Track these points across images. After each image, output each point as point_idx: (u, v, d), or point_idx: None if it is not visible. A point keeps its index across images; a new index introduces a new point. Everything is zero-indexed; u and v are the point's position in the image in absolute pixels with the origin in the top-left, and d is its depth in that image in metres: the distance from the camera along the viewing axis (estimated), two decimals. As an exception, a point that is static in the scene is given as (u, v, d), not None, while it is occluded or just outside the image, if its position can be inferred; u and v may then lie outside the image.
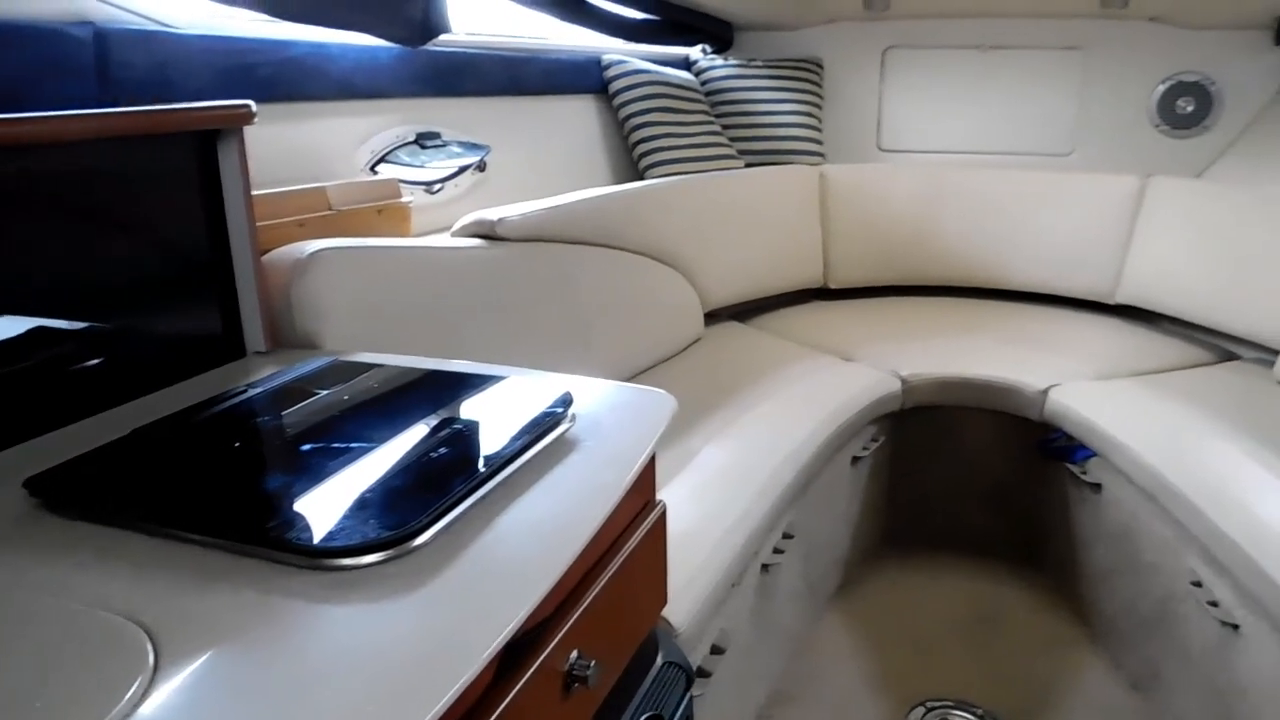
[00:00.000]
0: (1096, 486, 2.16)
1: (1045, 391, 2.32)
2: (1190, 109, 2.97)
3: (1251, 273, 2.47)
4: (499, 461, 0.94)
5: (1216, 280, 2.57)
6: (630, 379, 2.23)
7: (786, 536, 1.87)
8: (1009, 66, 3.10)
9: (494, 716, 0.77)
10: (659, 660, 1.20)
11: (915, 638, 2.22)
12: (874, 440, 2.35)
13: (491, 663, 0.78)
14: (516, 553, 0.84)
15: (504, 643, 0.73)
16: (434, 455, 0.97)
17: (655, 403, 1.16)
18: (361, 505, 0.86)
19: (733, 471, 1.79)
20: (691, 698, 1.25)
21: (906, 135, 3.23)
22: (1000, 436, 2.46)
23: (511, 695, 0.81)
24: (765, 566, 1.78)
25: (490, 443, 1.00)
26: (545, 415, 1.05)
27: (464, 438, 1.03)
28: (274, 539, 0.80)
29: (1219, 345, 2.65)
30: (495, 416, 1.10)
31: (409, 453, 0.98)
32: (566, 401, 1.10)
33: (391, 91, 2.06)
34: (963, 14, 3.07)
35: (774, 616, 1.93)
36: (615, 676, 1.08)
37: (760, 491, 1.75)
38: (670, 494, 1.68)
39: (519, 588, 0.78)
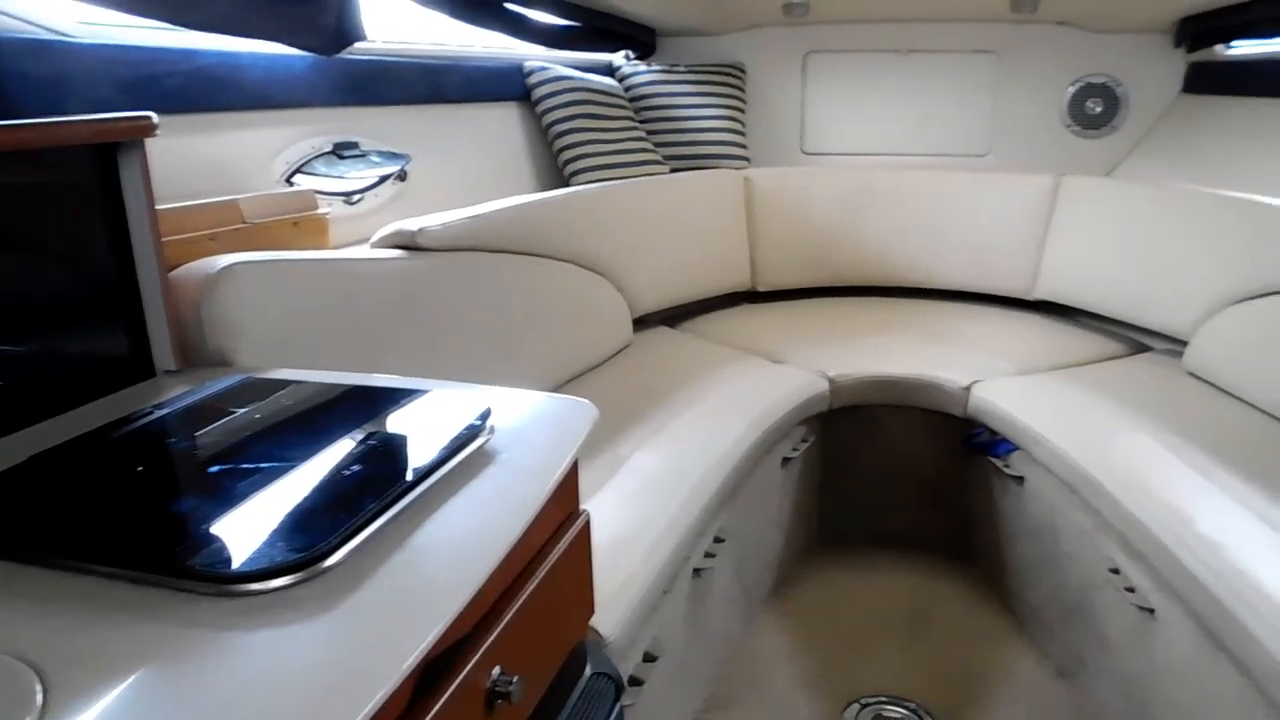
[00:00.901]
0: (1019, 480, 2.21)
1: (968, 388, 2.37)
2: (1099, 110, 3.06)
3: (1160, 267, 2.55)
4: (414, 478, 0.93)
5: (1127, 275, 2.66)
6: (558, 387, 2.22)
7: (718, 540, 1.88)
8: (927, 70, 3.17)
9: (412, 742, 0.76)
10: (587, 671, 1.19)
11: (850, 635, 2.24)
12: (804, 441, 2.37)
13: (407, 684, 0.76)
14: (430, 570, 0.83)
15: (417, 663, 0.71)
16: (347, 473, 0.95)
17: (576, 412, 1.15)
18: (271, 528, 0.84)
19: (663, 477, 1.79)
20: (622, 708, 1.24)
21: (829, 138, 3.27)
22: (927, 433, 2.50)
23: (429, 717, 0.80)
24: (697, 571, 1.78)
25: (406, 458, 0.99)
26: (463, 428, 1.04)
27: (378, 454, 1.01)
28: (178, 567, 0.77)
29: (1132, 338, 2.74)
30: (412, 431, 1.09)
31: (321, 471, 0.96)
32: (485, 414, 1.08)
33: (307, 101, 2.02)
34: (880, 18, 3.12)
35: (708, 621, 1.93)
36: (541, 691, 1.07)
37: (690, 496, 1.75)
38: (599, 502, 1.68)
39: (432, 606, 0.77)
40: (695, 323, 2.90)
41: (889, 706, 1.99)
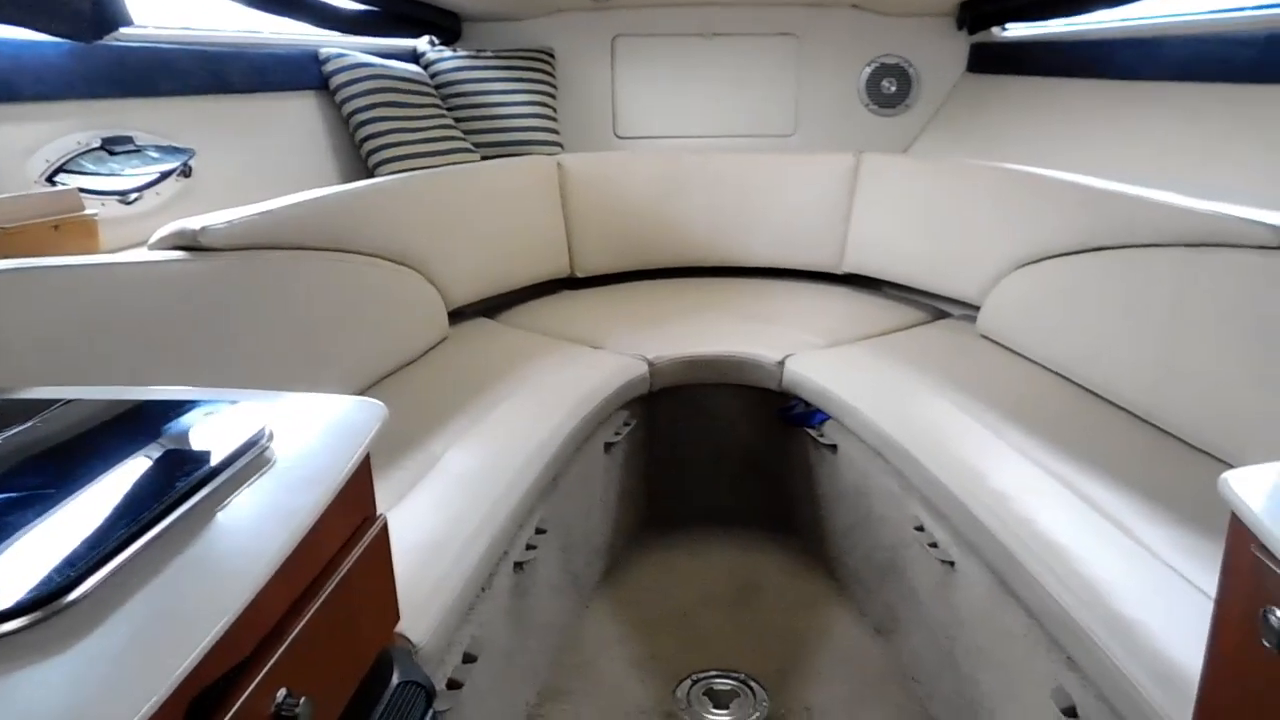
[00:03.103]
0: (833, 448, 2.28)
1: (781, 363, 2.43)
2: (894, 89, 3.20)
3: (953, 237, 2.70)
4: (174, 498, 0.86)
5: (924, 246, 2.79)
6: (369, 388, 2.13)
7: (540, 531, 1.86)
8: (732, 53, 3.23)
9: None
10: (394, 681, 1.14)
11: (680, 614, 2.27)
12: (626, 425, 2.38)
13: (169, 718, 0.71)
14: (190, 595, 0.77)
15: (168, 695, 0.66)
16: (100, 498, 0.87)
17: (363, 413, 1.10)
18: (7, 566, 0.75)
19: (477, 473, 1.75)
20: (435, 714, 1.20)
21: (642, 122, 3.29)
22: (746, 409, 2.56)
23: (197, 756, 0.74)
24: (519, 565, 1.75)
25: (168, 477, 0.91)
26: (235, 439, 0.97)
27: (138, 475, 0.93)
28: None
29: (932, 305, 2.89)
30: (178, 446, 1.01)
31: (71, 498, 0.87)
32: (260, 422, 1.01)
33: (65, 93, 1.85)
34: (684, 2, 3.15)
35: (534, 614, 1.90)
36: (339, 708, 1.02)
37: (507, 490, 1.72)
38: (409, 506, 1.62)
39: (188, 634, 0.71)
40: (514, 313, 2.85)
41: (718, 679, 2.03)
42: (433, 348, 2.46)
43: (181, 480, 0.89)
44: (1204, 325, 1.83)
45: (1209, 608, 1.04)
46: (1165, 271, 1.95)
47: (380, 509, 1.16)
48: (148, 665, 0.68)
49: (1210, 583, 1.36)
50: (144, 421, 1.07)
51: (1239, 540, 0.95)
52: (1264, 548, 0.89)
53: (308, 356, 1.94)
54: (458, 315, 2.67)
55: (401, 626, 1.27)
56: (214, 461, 0.93)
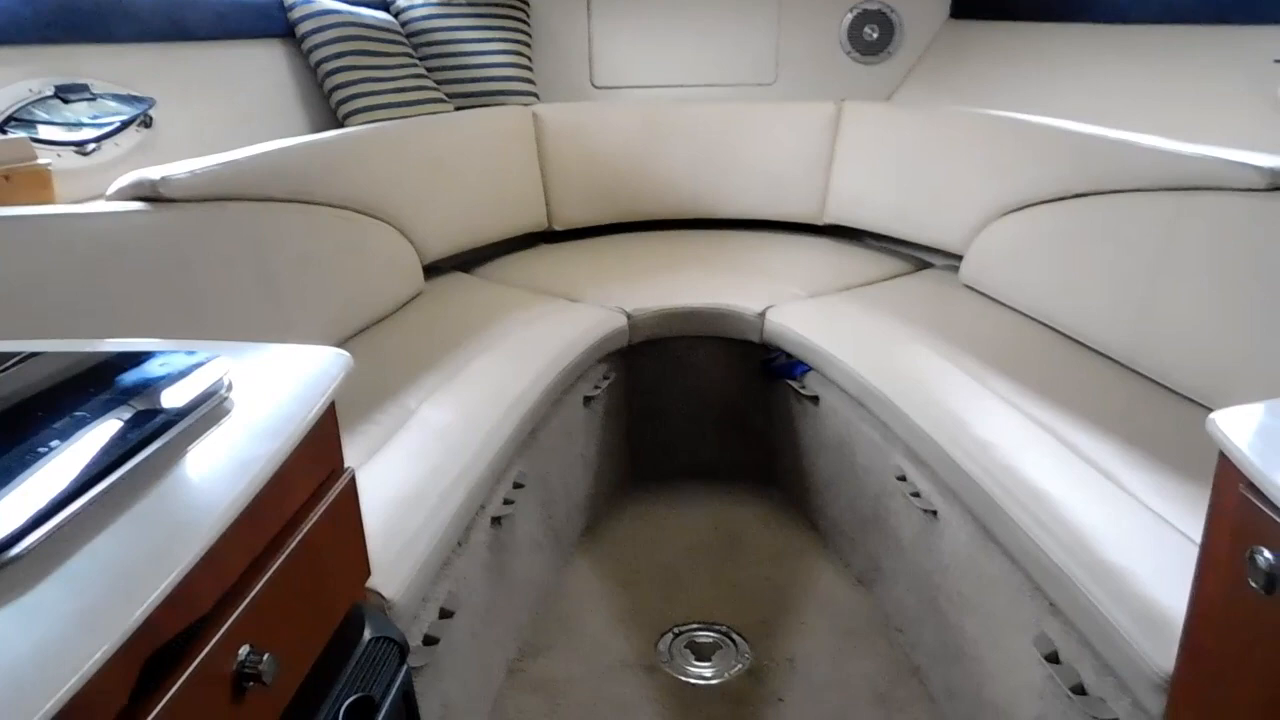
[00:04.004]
0: (815, 399, 2.26)
1: (763, 314, 2.40)
2: (875, 36, 3.14)
3: (936, 186, 2.66)
4: (126, 449, 0.82)
5: (907, 195, 2.75)
6: (341, 343, 2.08)
7: (517, 486, 1.83)
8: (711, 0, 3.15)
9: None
10: (366, 637, 1.12)
11: (662, 568, 2.26)
12: (605, 379, 2.34)
13: (124, 676, 0.68)
14: (141, 549, 0.73)
15: (114, 651, 0.63)
16: (43, 451, 0.83)
17: (327, 362, 1.06)
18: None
19: (453, 427, 1.72)
20: (409, 669, 1.18)
21: (619, 71, 3.21)
22: (727, 362, 2.53)
23: (158, 711, 0.71)
24: (497, 520, 1.73)
25: (119, 429, 0.87)
26: (193, 389, 0.93)
27: (85, 427, 0.89)
28: None
29: (914, 255, 2.86)
30: (131, 398, 0.96)
31: (15, 450, 0.83)
32: (218, 372, 0.97)
33: (15, 37, 1.78)
34: (662, -53, 3.07)
35: (514, 569, 1.88)
36: (308, 664, 0.99)
37: (484, 444, 1.69)
38: (383, 460, 1.59)
39: (134, 589, 0.68)
40: (491, 266, 2.80)
41: (700, 632, 2.02)
42: (407, 303, 2.41)
43: (133, 432, 0.85)
44: (1190, 270, 1.81)
45: (1193, 552, 1.03)
46: (1152, 216, 1.92)
47: (351, 464, 1.13)
48: (95, 619, 0.65)
49: (1194, 527, 1.34)
50: (96, 373, 1.02)
51: (1226, 480, 0.93)
52: (1252, 486, 0.87)
53: (276, 311, 1.89)
54: (433, 270, 2.62)
55: (374, 582, 1.24)
56: (169, 412, 0.89)
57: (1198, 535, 1.32)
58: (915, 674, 1.87)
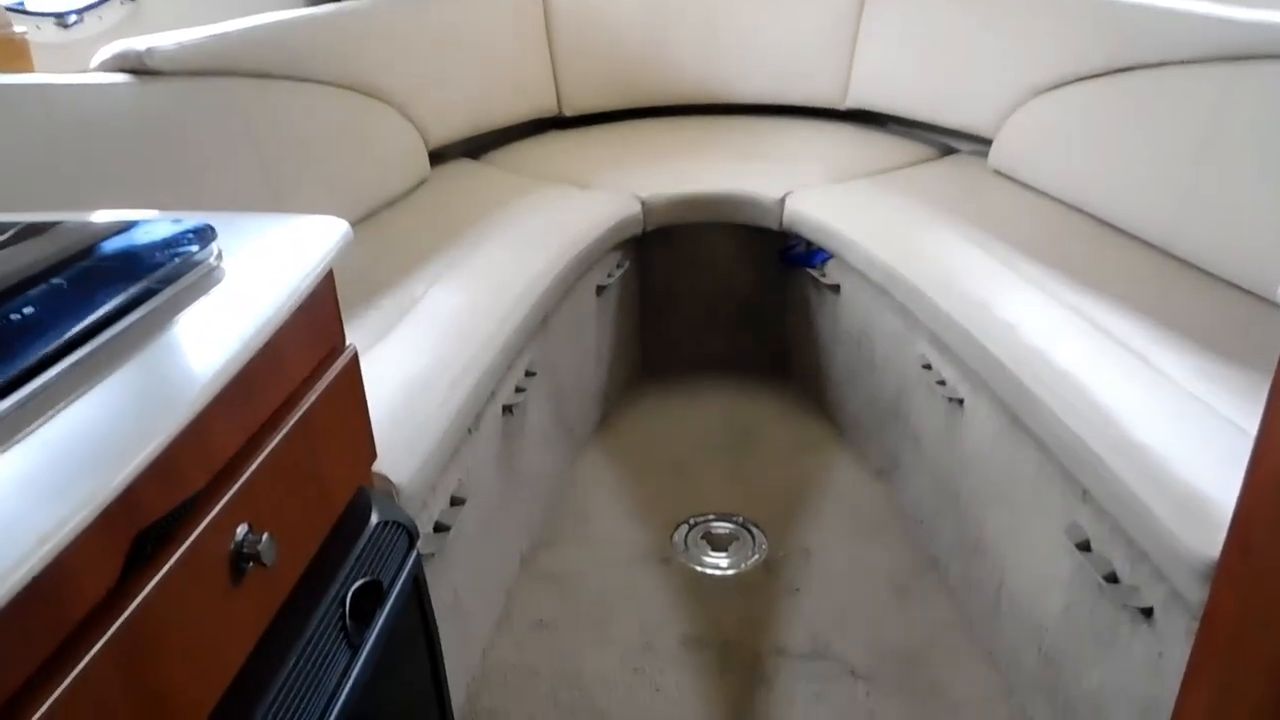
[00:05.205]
0: (835, 288, 2.19)
1: (781, 200, 2.30)
2: (904, -96, 2.94)
3: (964, 66, 2.52)
4: (102, 317, 0.76)
5: (933, 77, 2.62)
6: (344, 228, 2.01)
7: (529, 374, 1.78)
8: None
9: (124, 619, 0.64)
10: (373, 521, 1.08)
11: (676, 461, 2.22)
12: (618, 267, 2.27)
13: (110, 554, 0.64)
14: (123, 418, 0.68)
15: (92, 518, 0.59)
16: (15, 318, 0.77)
17: (322, 230, 0.99)
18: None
19: (462, 313, 1.65)
20: (419, 555, 1.14)
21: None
22: (744, 250, 2.45)
23: (148, 590, 0.67)
24: (508, 408, 1.68)
25: (97, 296, 0.81)
26: (176, 257, 0.86)
27: (64, 293, 0.83)
28: None
29: (940, 140, 2.73)
30: (114, 266, 0.90)
31: (-10, 319, 0.77)
32: (206, 239, 0.91)
33: (-15, -102, 1.66)
34: None
35: (526, 460, 1.84)
36: (311, 549, 0.95)
37: (495, 331, 1.63)
38: (392, 345, 1.53)
39: (119, 456, 0.63)
40: (499, 153, 2.70)
41: (716, 523, 1.99)
42: (412, 189, 2.32)
43: (114, 299, 0.79)
44: (1240, 148, 1.70)
45: (1237, 436, 0.97)
46: (1200, 90, 1.80)
47: (356, 348, 1.07)
48: (69, 487, 0.60)
49: (1237, 410, 1.29)
50: (75, 242, 0.96)
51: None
52: (1326, 358, 0.80)
53: (272, 194, 1.81)
54: (439, 156, 2.52)
55: (382, 467, 1.19)
56: (152, 280, 0.83)
57: (1242, 419, 1.27)
58: (934, 566, 1.85)
